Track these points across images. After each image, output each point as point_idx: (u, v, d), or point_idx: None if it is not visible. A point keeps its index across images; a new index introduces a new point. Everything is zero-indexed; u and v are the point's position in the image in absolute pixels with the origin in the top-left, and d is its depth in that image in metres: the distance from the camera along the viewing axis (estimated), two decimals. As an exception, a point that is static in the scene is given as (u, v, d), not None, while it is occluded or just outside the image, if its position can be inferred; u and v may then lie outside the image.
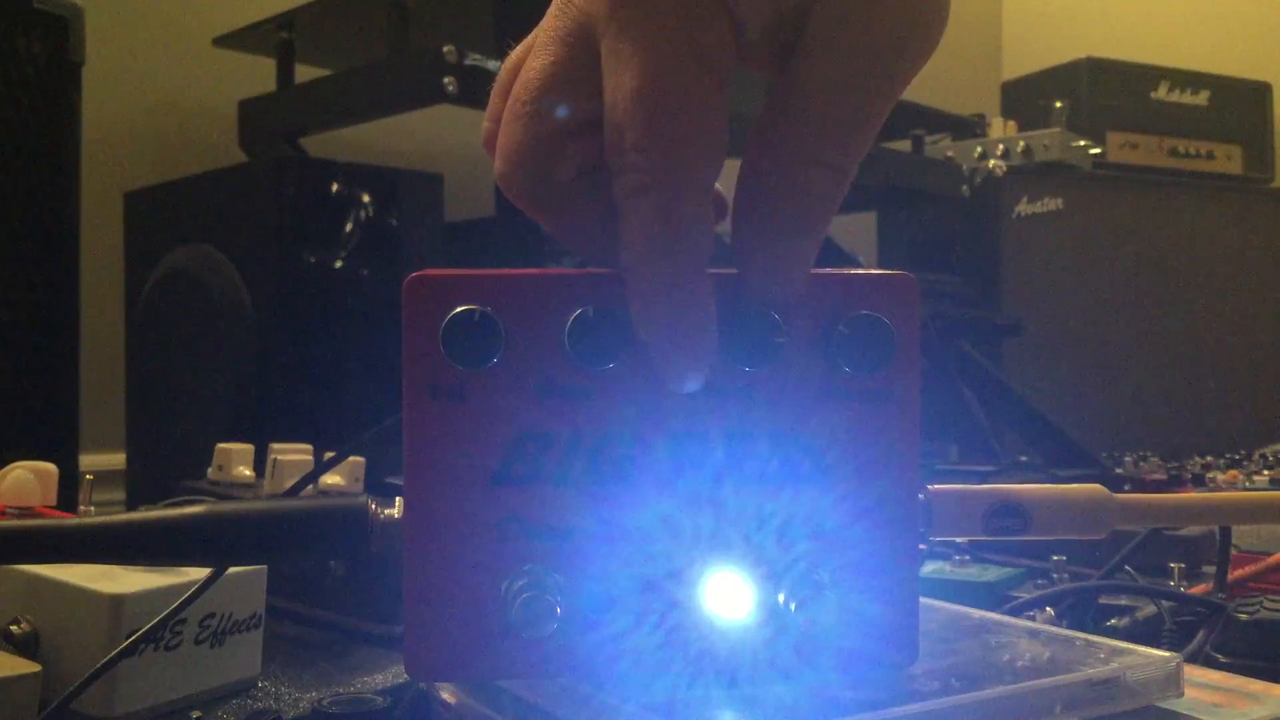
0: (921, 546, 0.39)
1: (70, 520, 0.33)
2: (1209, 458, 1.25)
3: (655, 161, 0.29)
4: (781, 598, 0.33)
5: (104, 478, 0.63)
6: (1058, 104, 1.97)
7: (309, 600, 0.62)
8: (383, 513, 0.33)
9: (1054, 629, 0.43)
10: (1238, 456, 1.29)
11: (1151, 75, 2.15)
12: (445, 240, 1.20)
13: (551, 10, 0.32)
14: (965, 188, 1.82)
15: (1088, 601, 0.58)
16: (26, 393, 0.85)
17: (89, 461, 0.89)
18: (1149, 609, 0.56)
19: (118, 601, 0.44)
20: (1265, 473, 1.09)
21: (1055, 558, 0.66)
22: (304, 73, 1.37)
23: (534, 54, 0.32)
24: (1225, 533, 0.58)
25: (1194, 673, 0.42)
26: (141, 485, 1.23)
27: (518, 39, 0.36)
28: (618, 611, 0.33)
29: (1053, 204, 1.90)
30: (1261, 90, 2.26)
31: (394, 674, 0.52)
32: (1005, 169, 1.86)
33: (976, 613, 0.45)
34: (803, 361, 0.34)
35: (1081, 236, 1.93)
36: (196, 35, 1.46)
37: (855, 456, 0.34)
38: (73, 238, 0.88)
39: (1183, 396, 1.97)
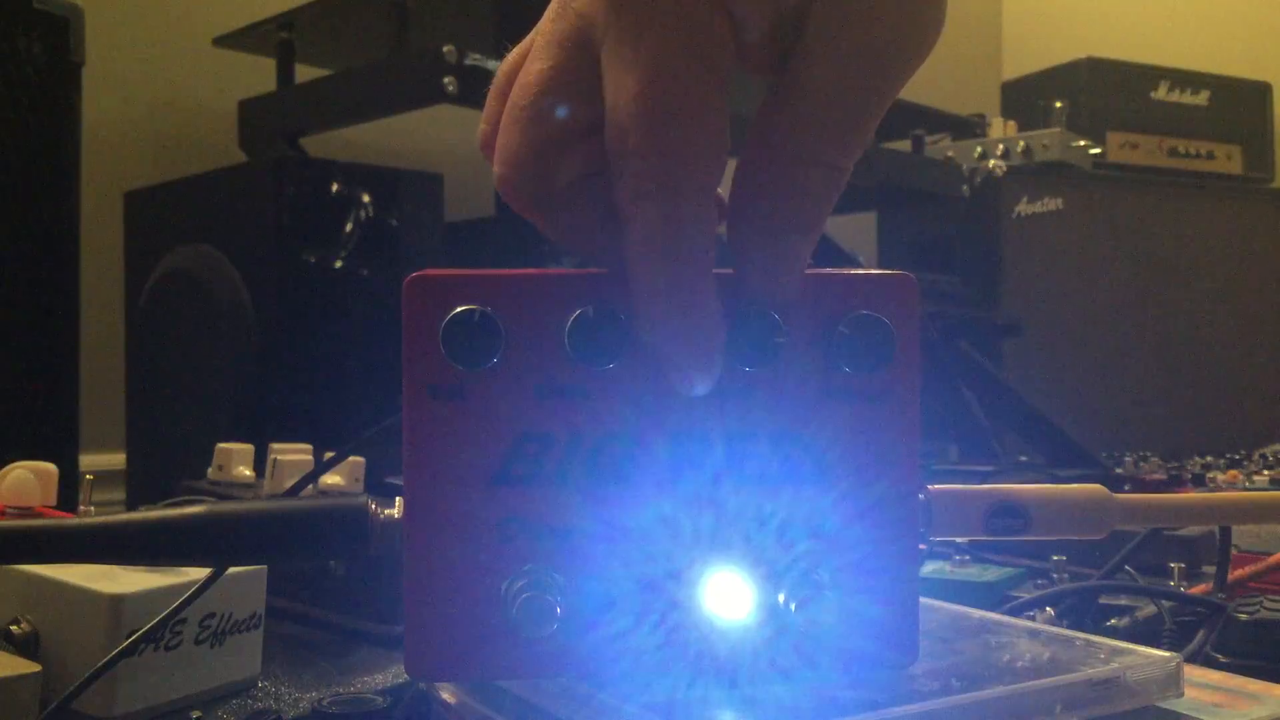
0: (921, 546, 0.39)
1: (70, 520, 0.33)
2: (1209, 458, 1.25)
3: (658, 166, 0.29)
4: (781, 598, 0.33)
5: (104, 478, 0.63)
6: (1058, 104, 1.97)
7: (309, 600, 0.62)
8: (383, 513, 0.33)
9: (1054, 629, 0.43)
10: (1238, 456, 1.29)
11: (1151, 75, 2.15)
12: (445, 240, 1.20)
13: (549, 14, 0.32)
14: (965, 188, 1.82)
15: (1088, 601, 0.58)
16: (26, 393, 0.85)
17: (89, 461, 0.89)
18: (1149, 609, 0.56)
19: (118, 601, 0.44)
20: (1265, 473, 1.09)
21: (1055, 558, 0.66)
22: (304, 73, 1.37)
23: (532, 58, 0.32)
24: (1225, 533, 0.58)
25: (1194, 673, 0.42)
26: (141, 485, 1.23)
27: (518, 39, 0.35)
28: (618, 611, 0.33)
29: (1053, 204, 1.90)
30: (1261, 90, 2.26)
31: (394, 674, 0.52)
32: (1005, 169, 1.86)
33: (976, 613, 0.45)
34: (803, 361, 0.34)
35: (1081, 236, 1.93)
36: (196, 35, 1.46)
37: (855, 456, 0.34)
38: (73, 238, 0.88)
39: (1183, 396, 1.96)
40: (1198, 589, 0.59)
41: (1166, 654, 0.38)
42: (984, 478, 1.05)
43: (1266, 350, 2.06)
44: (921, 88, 0.35)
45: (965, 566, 0.67)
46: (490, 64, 1.10)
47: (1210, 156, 2.16)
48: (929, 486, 0.36)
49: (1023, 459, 1.30)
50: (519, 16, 1.19)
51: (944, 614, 0.45)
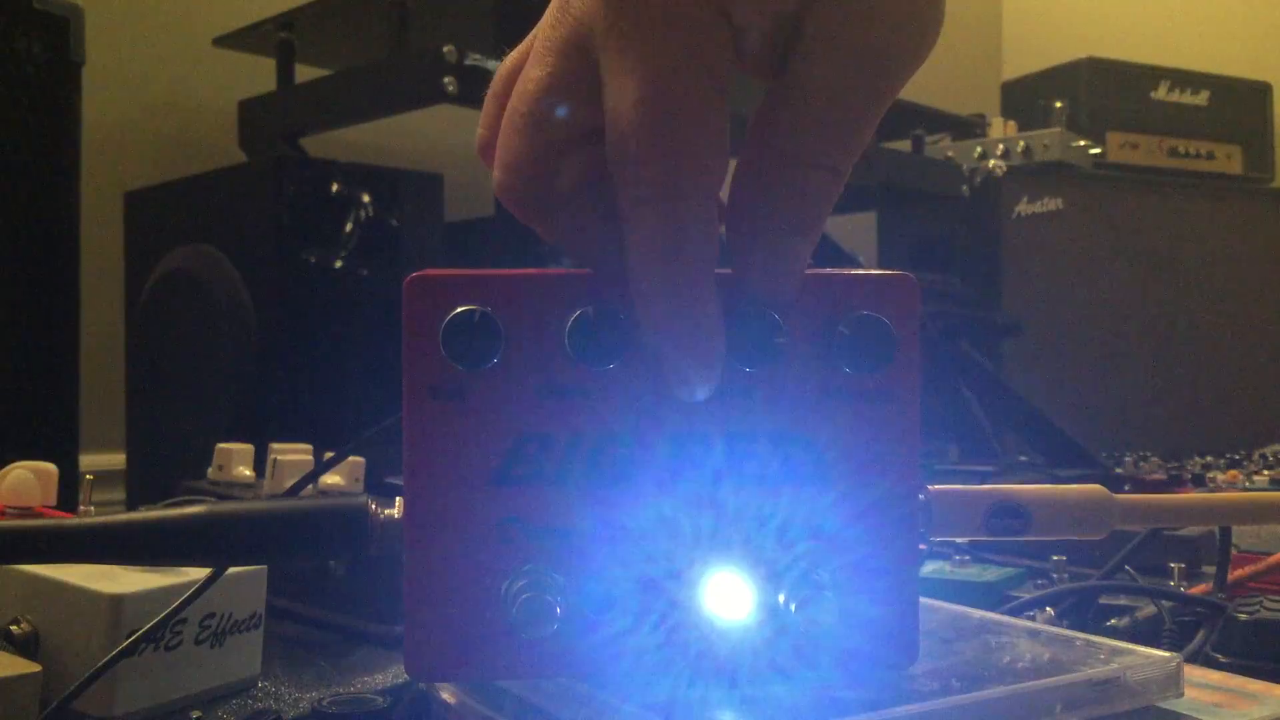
0: (921, 546, 0.39)
1: (70, 520, 0.33)
2: (1209, 458, 1.25)
3: (660, 172, 0.29)
4: (781, 598, 0.33)
5: (104, 478, 0.63)
6: (1058, 104, 1.97)
7: (309, 600, 0.62)
8: (383, 513, 0.33)
9: (1054, 629, 0.43)
10: (1238, 456, 1.29)
11: (1151, 75, 2.15)
12: (445, 240, 1.20)
13: (547, 19, 0.32)
14: (965, 188, 1.82)
15: (1088, 601, 0.58)
16: (26, 393, 0.85)
17: (89, 461, 0.89)
18: (1149, 609, 0.56)
19: (118, 601, 0.44)
20: (1265, 473, 1.09)
21: (1055, 558, 0.66)
22: (304, 73, 1.37)
23: (531, 63, 0.32)
24: (1225, 533, 0.58)
25: (1194, 673, 0.42)
26: (141, 485, 1.23)
27: (517, 39, 0.35)
28: (618, 611, 0.33)
29: (1053, 204, 1.90)
30: (1261, 90, 2.26)
31: (394, 674, 0.52)
32: (1005, 169, 1.86)
33: (976, 613, 0.45)
34: (803, 361, 0.34)
35: (1081, 236, 1.93)
36: (196, 35, 1.46)
37: (855, 456, 0.34)
38: (73, 238, 0.88)
39: (1183, 396, 1.96)
40: (1198, 589, 0.59)
41: (1166, 654, 0.38)
42: (984, 478, 1.05)
43: (1266, 350, 2.06)
44: (921, 88, 0.35)
45: (965, 566, 0.67)
46: (490, 64, 1.10)
47: (1210, 156, 2.16)
48: (929, 486, 0.36)
49: (1023, 459, 1.30)
50: (519, 16, 1.19)
51: (944, 614, 0.45)
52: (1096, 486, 0.38)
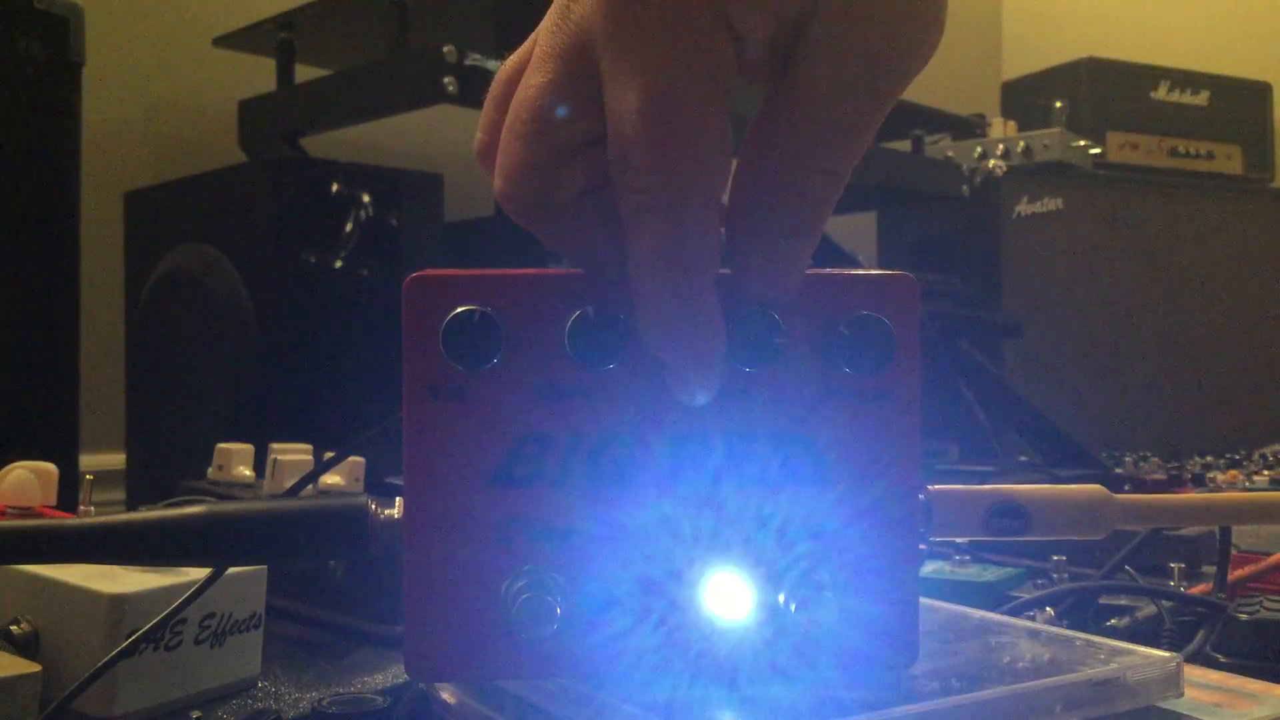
0: (921, 546, 0.39)
1: (70, 520, 0.33)
2: (1209, 458, 1.25)
3: (662, 181, 0.29)
4: (781, 598, 0.33)
5: (104, 478, 0.63)
6: (1058, 104, 1.97)
7: (309, 600, 0.62)
8: (383, 513, 0.33)
9: (1054, 629, 0.43)
10: (1238, 456, 1.29)
11: (1151, 75, 2.15)
12: (445, 240, 1.20)
13: (547, 24, 0.32)
14: (965, 188, 1.82)
15: (1088, 601, 0.58)
16: (26, 393, 0.85)
17: (89, 461, 0.89)
18: (1149, 609, 0.56)
19: (118, 601, 0.44)
20: (1265, 473, 1.09)
21: (1055, 558, 0.66)
22: (304, 73, 1.37)
23: (532, 69, 0.32)
24: (1225, 533, 0.58)
25: (1194, 673, 0.42)
26: (141, 485, 1.23)
27: (517, 39, 0.35)
28: (618, 612, 0.33)
29: (1053, 204, 1.90)
30: (1261, 90, 2.26)
31: (394, 674, 0.52)
32: (1005, 169, 1.86)
33: (976, 613, 0.45)
34: (803, 362, 0.34)
35: (1081, 236, 1.93)
36: (196, 35, 1.46)
37: (855, 456, 0.34)
38: (73, 238, 0.88)
39: (1183, 396, 1.96)
40: (1198, 589, 0.59)
41: (1166, 654, 0.38)
42: (984, 478, 1.05)
43: (1266, 350, 2.06)
44: (921, 88, 0.35)
45: (965, 566, 0.67)
46: (490, 64, 1.10)
47: (1210, 156, 2.16)
48: (929, 486, 0.36)
49: (1023, 459, 1.30)
50: (519, 16, 1.19)
51: (944, 614, 0.45)
52: (1096, 486, 0.38)
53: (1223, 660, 0.48)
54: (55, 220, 0.87)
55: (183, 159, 1.45)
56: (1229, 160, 2.18)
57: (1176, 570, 0.61)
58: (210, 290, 1.10)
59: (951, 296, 1.62)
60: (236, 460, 0.72)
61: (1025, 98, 2.14)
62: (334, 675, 0.53)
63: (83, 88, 0.88)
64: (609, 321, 0.32)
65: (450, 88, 1.08)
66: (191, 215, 1.21)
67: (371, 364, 1.07)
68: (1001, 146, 1.90)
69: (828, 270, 0.34)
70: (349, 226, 1.10)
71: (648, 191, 0.29)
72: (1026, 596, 0.58)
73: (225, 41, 1.39)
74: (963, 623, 0.44)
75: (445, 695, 0.38)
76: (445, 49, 1.08)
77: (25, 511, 0.49)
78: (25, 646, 0.45)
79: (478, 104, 0.36)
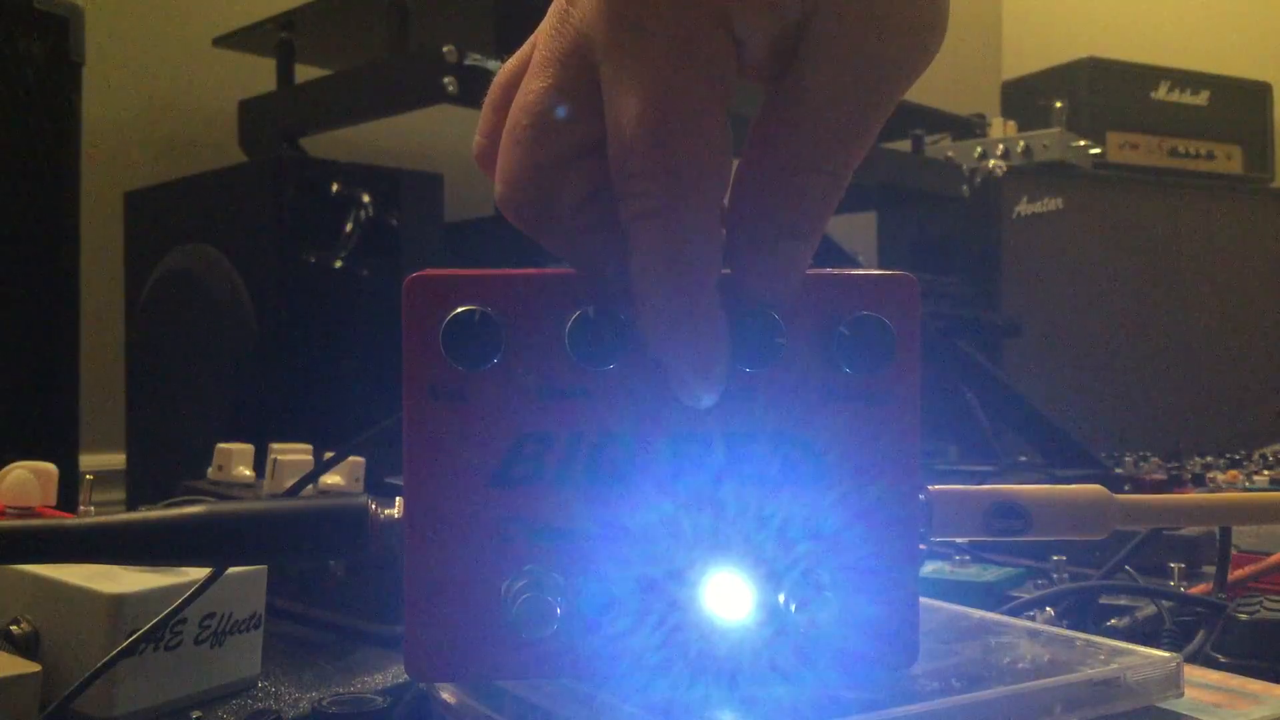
0: (921, 546, 0.39)
1: (70, 520, 0.33)
2: (1209, 458, 1.25)
3: (663, 185, 0.29)
4: (782, 598, 0.33)
5: (104, 478, 0.63)
6: (1058, 104, 1.97)
7: (309, 600, 0.62)
8: (383, 513, 0.33)
9: (1054, 629, 0.43)
10: (1238, 456, 1.29)
11: (1151, 75, 2.15)
12: (445, 240, 1.20)
13: (547, 29, 0.32)
14: (965, 188, 1.82)
15: (1088, 601, 0.58)
16: (26, 393, 0.85)
17: (89, 461, 0.89)
18: (1149, 609, 0.56)
19: (118, 601, 0.44)
20: (1265, 473, 1.09)
21: (1055, 558, 0.66)
22: (304, 73, 1.37)
23: (531, 74, 0.32)
24: (1225, 533, 0.58)
25: (1194, 673, 0.42)
26: (141, 485, 1.23)
27: (518, 39, 0.35)
28: (618, 612, 0.33)
29: (1053, 204, 1.90)
30: (1261, 90, 2.26)
31: (394, 674, 0.52)
32: (1005, 169, 1.86)
33: (976, 613, 0.45)
34: (803, 362, 0.34)
35: (1081, 236, 1.93)
36: (196, 35, 1.46)
37: (855, 456, 0.34)
38: (73, 238, 0.88)
39: (1183, 396, 1.97)
40: (1198, 589, 0.59)
41: (1166, 654, 0.38)
42: (984, 478, 1.05)
43: (1266, 350, 2.06)
44: (921, 88, 0.35)
45: (965, 566, 0.67)
46: (490, 64, 1.10)
47: (1210, 156, 2.16)
48: (929, 487, 0.36)
49: (1023, 459, 1.30)
50: (519, 17, 1.19)
51: (944, 614, 0.45)
52: (1096, 486, 0.38)
53: (1223, 660, 0.48)
54: (55, 220, 0.87)
55: (183, 159, 1.45)
56: (1229, 160, 2.18)
57: (1176, 570, 0.61)
58: (210, 290, 1.10)
59: (951, 296, 1.62)
60: (236, 460, 0.72)
61: (1025, 98, 2.14)
62: (334, 675, 0.53)
63: (83, 88, 0.88)
64: (609, 321, 0.32)
65: (450, 88, 1.08)
66: (191, 215, 1.21)
67: (371, 364, 1.07)
68: (1001, 146, 1.90)
69: (828, 270, 0.34)
70: (349, 226, 1.10)
71: (648, 196, 0.29)
72: (1026, 596, 0.58)
73: (225, 41, 1.39)
74: (963, 623, 0.44)
75: (445, 695, 0.38)
76: (445, 49, 1.08)
77: (25, 511, 0.49)
78: (25, 646, 0.45)
79: (478, 104, 0.36)
